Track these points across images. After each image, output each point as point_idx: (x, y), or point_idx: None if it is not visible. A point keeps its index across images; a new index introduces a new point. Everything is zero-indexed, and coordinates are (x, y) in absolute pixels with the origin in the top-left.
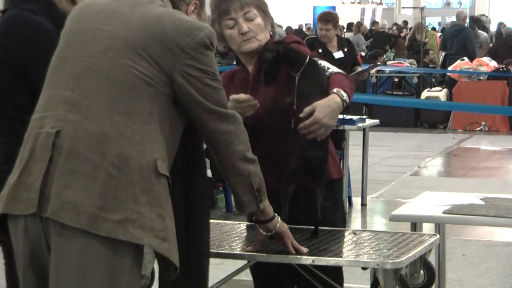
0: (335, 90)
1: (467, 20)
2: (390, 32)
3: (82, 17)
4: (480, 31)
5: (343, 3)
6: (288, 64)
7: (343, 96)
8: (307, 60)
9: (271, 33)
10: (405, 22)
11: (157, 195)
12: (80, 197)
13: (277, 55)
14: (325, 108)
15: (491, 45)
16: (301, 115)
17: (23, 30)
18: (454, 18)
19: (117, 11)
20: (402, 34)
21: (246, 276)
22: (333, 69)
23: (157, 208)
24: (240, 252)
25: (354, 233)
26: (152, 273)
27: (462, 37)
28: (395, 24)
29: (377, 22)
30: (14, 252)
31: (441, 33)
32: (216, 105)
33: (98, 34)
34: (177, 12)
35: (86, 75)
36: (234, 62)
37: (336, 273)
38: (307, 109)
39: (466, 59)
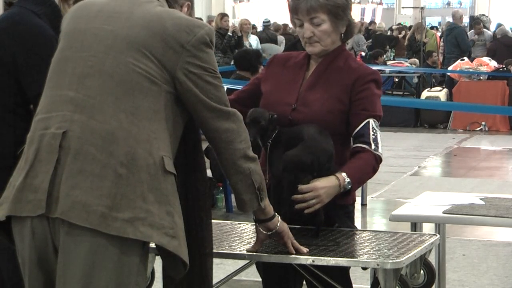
0: (342, 174)
1: (464, 20)
2: (390, 33)
3: (81, 17)
4: (485, 30)
5: None
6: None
7: (345, 181)
8: (275, 134)
9: (342, 35)
10: (404, 27)
11: (165, 193)
12: (89, 197)
13: (271, 118)
14: (325, 182)
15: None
16: (301, 187)
17: (24, 31)
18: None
19: (117, 10)
20: (401, 36)
21: (246, 276)
22: (370, 143)
23: (165, 205)
24: (240, 252)
25: (354, 233)
26: (152, 273)
27: (453, 36)
28: (398, 24)
29: (375, 22)
30: (19, 254)
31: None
32: (217, 103)
33: (99, 33)
34: (175, 11)
35: (90, 74)
36: (232, 63)
37: (343, 275)
38: (308, 185)
39: (466, 59)
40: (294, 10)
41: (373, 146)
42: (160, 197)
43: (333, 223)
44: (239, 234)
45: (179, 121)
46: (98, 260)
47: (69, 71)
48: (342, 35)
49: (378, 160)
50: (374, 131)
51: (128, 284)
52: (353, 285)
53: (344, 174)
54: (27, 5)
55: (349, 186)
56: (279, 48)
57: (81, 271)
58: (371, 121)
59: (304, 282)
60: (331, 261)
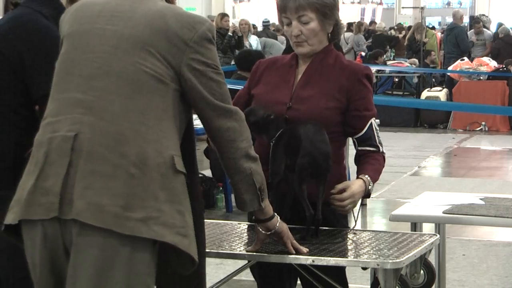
0: (366, 177)
1: (464, 20)
2: (389, 33)
3: (83, 18)
4: (484, 29)
5: (343, 3)
6: (264, 134)
7: (369, 185)
8: (279, 132)
9: (329, 35)
10: (402, 27)
11: (175, 192)
12: (103, 197)
13: (266, 117)
14: (359, 187)
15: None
16: (333, 190)
17: (31, 32)
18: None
19: (119, 9)
20: (401, 36)
21: (246, 276)
22: (378, 146)
23: (176, 204)
24: (240, 252)
25: (354, 233)
26: None
27: (453, 36)
28: (399, 24)
29: (375, 22)
30: (28, 257)
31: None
32: (219, 101)
33: (104, 34)
34: (176, 6)
35: (97, 76)
36: (232, 63)
37: (339, 275)
38: (340, 186)
39: (466, 59)
40: (282, 8)
41: (381, 149)
42: (171, 196)
43: (329, 222)
44: (239, 234)
45: (183, 119)
46: (109, 260)
47: (76, 73)
48: (329, 35)
49: (385, 159)
50: (377, 131)
51: (137, 284)
52: (353, 285)
53: (368, 177)
54: (33, 6)
55: (371, 190)
56: (281, 45)
57: (91, 271)
58: (372, 121)
59: (299, 282)
60: (331, 261)
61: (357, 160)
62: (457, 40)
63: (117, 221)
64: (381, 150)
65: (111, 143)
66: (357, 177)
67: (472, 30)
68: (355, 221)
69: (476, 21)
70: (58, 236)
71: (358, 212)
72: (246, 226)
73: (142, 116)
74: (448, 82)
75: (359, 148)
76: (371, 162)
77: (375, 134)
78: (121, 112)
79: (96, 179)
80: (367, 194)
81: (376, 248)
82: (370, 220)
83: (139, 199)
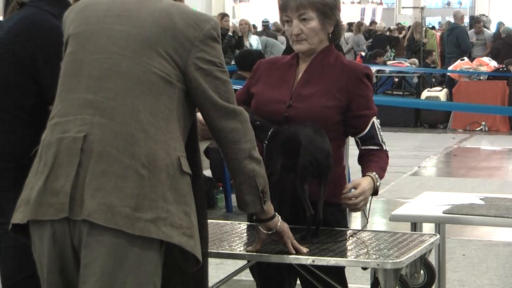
0: (373, 174)
1: (465, 20)
2: (389, 33)
3: (90, 18)
4: (485, 29)
5: (343, 3)
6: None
7: (377, 182)
8: (269, 133)
9: (330, 35)
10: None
11: (182, 193)
12: (114, 198)
13: (251, 123)
14: (368, 184)
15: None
16: (344, 190)
17: (42, 32)
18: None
19: (125, 8)
20: (401, 35)
21: (246, 276)
22: (381, 145)
23: (183, 205)
24: (240, 252)
25: (354, 233)
26: None
27: (454, 36)
28: (398, 24)
29: (376, 22)
30: (37, 257)
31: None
32: (224, 100)
33: (112, 34)
34: (181, 4)
35: (107, 76)
36: (232, 63)
37: (339, 274)
38: (350, 185)
39: (466, 59)
40: (283, 7)
41: (384, 147)
42: (178, 197)
43: (328, 223)
44: (239, 234)
45: (188, 120)
46: (118, 260)
47: (85, 74)
48: (330, 35)
49: (388, 157)
50: (379, 129)
51: (146, 284)
52: (353, 285)
53: (375, 174)
54: (42, 5)
55: (379, 187)
56: (282, 46)
57: (101, 270)
58: (374, 120)
59: (298, 282)
60: (331, 261)
61: (360, 159)
62: (458, 40)
63: (128, 221)
64: (384, 148)
65: (121, 144)
66: (365, 175)
67: (472, 30)
68: (367, 218)
69: (477, 21)
70: (67, 236)
71: (369, 209)
72: (246, 226)
73: (151, 117)
74: (448, 82)
75: (362, 148)
76: (376, 160)
77: (378, 132)
78: (131, 113)
79: (107, 180)
80: (375, 191)
81: (376, 248)
82: (370, 220)
83: (149, 199)
